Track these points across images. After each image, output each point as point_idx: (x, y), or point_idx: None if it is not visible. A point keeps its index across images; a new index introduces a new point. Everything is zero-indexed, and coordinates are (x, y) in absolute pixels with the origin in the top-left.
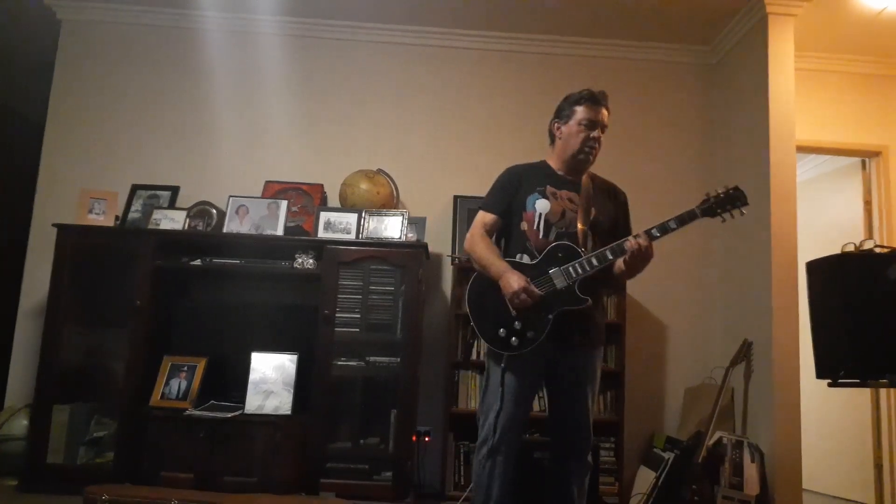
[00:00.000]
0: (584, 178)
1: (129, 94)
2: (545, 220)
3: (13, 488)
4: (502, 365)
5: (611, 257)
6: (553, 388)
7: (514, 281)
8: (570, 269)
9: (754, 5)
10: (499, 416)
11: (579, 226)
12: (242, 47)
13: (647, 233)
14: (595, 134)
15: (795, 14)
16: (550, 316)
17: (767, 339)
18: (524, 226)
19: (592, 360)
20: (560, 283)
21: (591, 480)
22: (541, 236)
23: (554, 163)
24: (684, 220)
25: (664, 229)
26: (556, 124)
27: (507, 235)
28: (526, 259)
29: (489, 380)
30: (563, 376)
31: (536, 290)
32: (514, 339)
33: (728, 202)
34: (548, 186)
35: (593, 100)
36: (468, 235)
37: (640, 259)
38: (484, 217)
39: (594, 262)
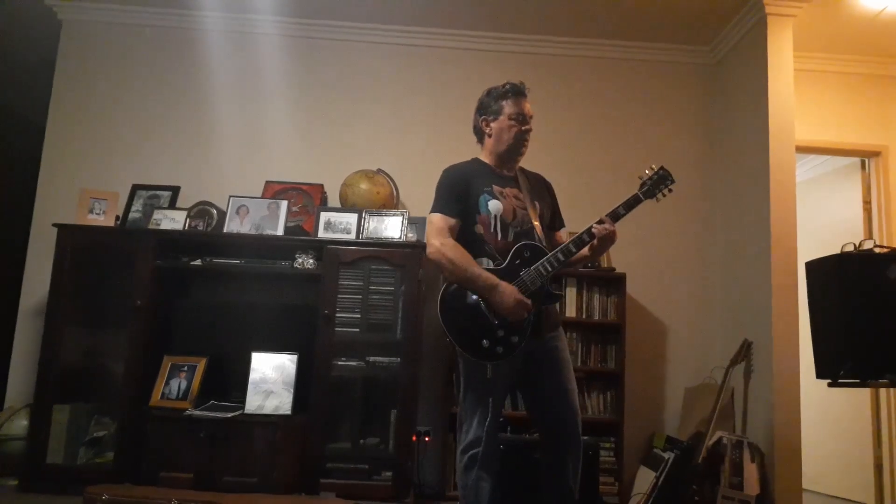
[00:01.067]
0: (518, 172)
1: (129, 94)
2: (501, 221)
3: (13, 488)
4: (488, 375)
5: (574, 251)
6: (532, 380)
7: (509, 297)
8: (541, 267)
9: (753, 6)
10: (485, 422)
11: (534, 222)
12: (242, 48)
13: (611, 216)
14: (527, 127)
15: (795, 15)
16: (531, 317)
17: (767, 339)
18: (479, 229)
19: (561, 341)
20: (534, 284)
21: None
22: (499, 238)
23: (487, 160)
24: (631, 204)
25: (616, 216)
26: (484, 121)
27: (459, 241)
28: (489, 264)
29: (470, 385)
30: (537, 367)
31: (528, 301)
32: (498, 347)
33: (661, 182)
34: (493, 186)
35: (518, 92)
36: (435, 243)
37: (609, 241)
38: (447, 222)
39: (560, 257)
